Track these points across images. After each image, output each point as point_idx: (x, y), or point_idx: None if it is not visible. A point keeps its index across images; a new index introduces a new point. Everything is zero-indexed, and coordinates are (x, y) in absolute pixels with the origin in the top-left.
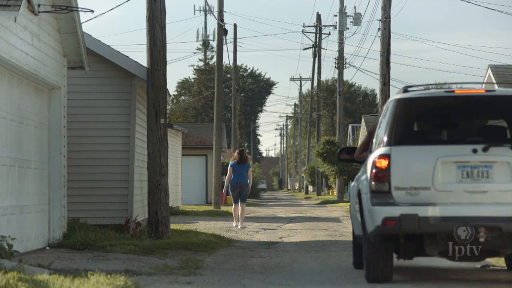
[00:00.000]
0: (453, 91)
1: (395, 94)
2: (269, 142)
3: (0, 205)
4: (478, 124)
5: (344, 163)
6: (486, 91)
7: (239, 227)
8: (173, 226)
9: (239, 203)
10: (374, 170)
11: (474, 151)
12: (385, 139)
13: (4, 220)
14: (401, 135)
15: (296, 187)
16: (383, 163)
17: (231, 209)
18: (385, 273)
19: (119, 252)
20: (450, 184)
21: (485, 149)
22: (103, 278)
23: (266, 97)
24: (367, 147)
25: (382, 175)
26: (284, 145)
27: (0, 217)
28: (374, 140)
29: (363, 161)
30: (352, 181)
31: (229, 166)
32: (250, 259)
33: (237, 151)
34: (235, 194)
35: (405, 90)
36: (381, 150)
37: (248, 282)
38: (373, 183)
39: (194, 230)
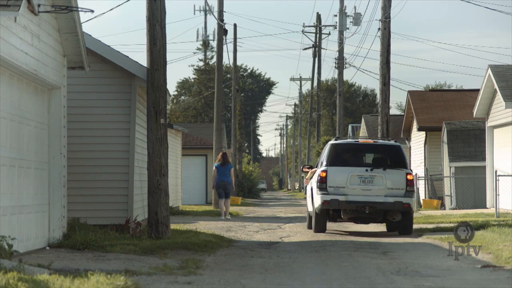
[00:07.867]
0: (358, 141)
1: (331, 140)
2: (269, 142)
3: (0, 205)
4: (370, 157)
5: None
6: (374, 141)
7: (223, 218)
8: (173, 226)
9: (224, 199)
10: (319, 177)
11: (366, 170)
12: (325, 162)
13: (4, 220)
14: (332, 161)
15: (296, 187)
16: (323, 174)
17: (231, 209)
18: (323, 228)
19: (119, 252)
20: (354, 185)
21: (371, 170)
22: (103, 278)
23: (266, 97)
24: (317, 165)
25: (323, 180)
26: (284, 145)
27: (0, 217)
28: (320, 163)
29: (314, 173)
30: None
31: (214, 167)
32: (250, 259)
33: (220, 153)
34: (220, 190)
35: (336, 139)
36: (323, 167)
37: (248, 282)
38: (318, 183)
39: (194, 230)
